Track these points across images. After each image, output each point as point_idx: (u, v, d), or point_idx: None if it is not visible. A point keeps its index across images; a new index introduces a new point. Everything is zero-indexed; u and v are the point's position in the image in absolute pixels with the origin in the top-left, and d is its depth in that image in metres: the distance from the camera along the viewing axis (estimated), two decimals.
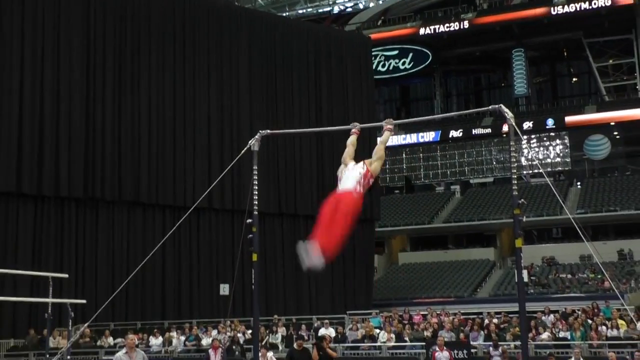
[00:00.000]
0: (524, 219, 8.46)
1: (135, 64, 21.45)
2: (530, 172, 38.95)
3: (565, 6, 39.04)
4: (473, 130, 40.39)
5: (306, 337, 17.84)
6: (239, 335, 16.31)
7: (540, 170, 36.31)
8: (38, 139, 19.28)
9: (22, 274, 15.55)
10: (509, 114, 7.88)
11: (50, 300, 11.61)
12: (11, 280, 17.26)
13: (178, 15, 22.87)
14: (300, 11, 50.60)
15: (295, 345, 11.76)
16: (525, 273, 13.90)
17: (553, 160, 38.83)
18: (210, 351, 12.50)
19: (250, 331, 16.06)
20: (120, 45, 21.30)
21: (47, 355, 11.98)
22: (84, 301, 13.61)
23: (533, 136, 38.77)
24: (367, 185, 6.35)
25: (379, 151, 6.62)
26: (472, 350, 13.66)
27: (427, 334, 15.51)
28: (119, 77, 21.05)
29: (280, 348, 16.81)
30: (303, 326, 18.34)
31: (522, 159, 37.82)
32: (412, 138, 41.34)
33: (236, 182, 21.96)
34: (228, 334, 15.87)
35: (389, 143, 37.69)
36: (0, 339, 17.19)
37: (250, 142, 8.13)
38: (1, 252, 18.27)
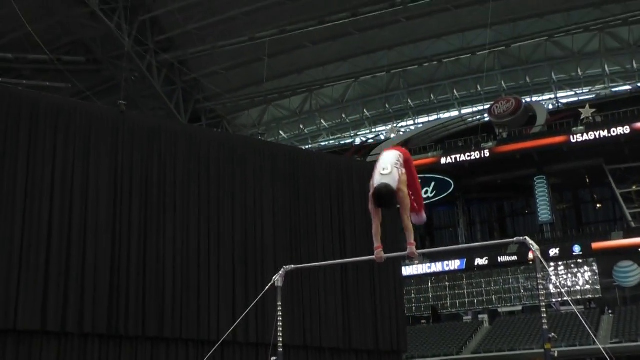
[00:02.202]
0: (556, 353, 8.23)
1: (161, 201, 21.83)
2: (560, 299, 38.24)
3: (585, 134, 39.68)
4: (499, 258, 40.15)
5: None
6: None
7: (569, 299, 35.66)
8: (64, 276, 19.33)
9: None
10: (534, 246, 7.87)
11: None
12: None
13: (203, 152, 23.45)
14: (323, 143, 51.82)
15: None
16: None
17: (582, 288, 38.18)
18: None
19: None
20: (147, 182, 21.77)
21: None
22: None
23: (560, 263, 38.34)
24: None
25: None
26: None
27: None
28: (145, 214, 21.36)
29: None
30: None
31: (551, 287, 37.27)
32: (437, 267, 41.11)
33: (260, 315, 21.72)
34: None
35: (415, 272, 37.50)
36: None
37: (274, 277, 8.18)
38: None
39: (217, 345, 8.62)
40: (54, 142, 20.36)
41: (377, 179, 7.43)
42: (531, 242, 8.02)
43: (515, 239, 8.26)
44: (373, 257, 7.84)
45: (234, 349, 22.60)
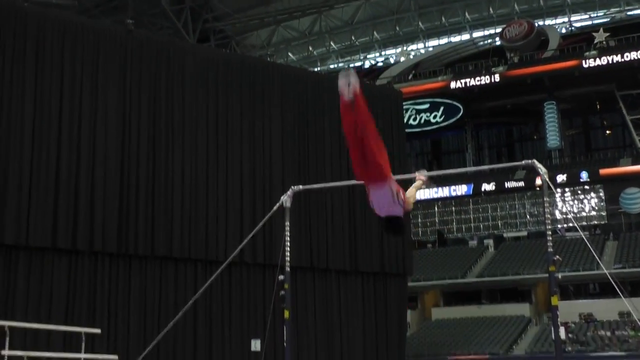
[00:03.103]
0: (560, 275, 8.30)
1: (169, 121, 21.78)
2: (565, 225, 38.46)
3: (597, 59, 39.06)
4: (506, 183, 40.17)
5: None
6: None
7: (575, 224, 35.86)
8: (74, 195, 19.45)
9: (55, 329, 15.60)
10: (542, 169, 7.83)
11: (82, 355, 11.64)
12: (45, 336, 17.29)
13: (211, 73, 23.23)
14: (332, 66, 51.28)
15: None
16: (562, 330, 13.60)
17: (588, 214, 38.33)
18: None
19: None
20: (155, 102, 21.66)
21: None
22: (115, 357, 13.56)
23: (567, 189, 38.37)
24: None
25: (409, 193, 6.13)
26: None
27: None
28: (153, 134, 21.33)
29: None
30: None
31: (557, 213, 37.44)
32: (444, 192, 41.22)
33: (268, 236, 21.94)
34: None
35: (422, 197, 37.55)
36: None
37: (282, 198, 8.18)
38: (35, 306, 18.31)
39: (224, 265, 8.69)
40: (61, 61, 20.15)
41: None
42: (539, 165, 7.99)
43: (523, 162, 8.22)
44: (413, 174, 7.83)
45: (241, 269, 22.90)
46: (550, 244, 7.79)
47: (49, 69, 19.75)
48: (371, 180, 5.74)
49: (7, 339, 10.68)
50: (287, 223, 8.02)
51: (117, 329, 19.50)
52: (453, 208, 41.23)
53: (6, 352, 10.50)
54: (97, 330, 13.14)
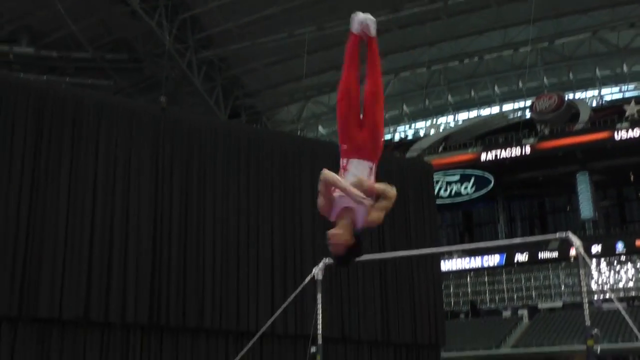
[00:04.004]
0: (599, 349, 8.16)
1: (201, 195, 22.13)
2: (602, 298, 37.70)
3: (629, 130, 39.03)
4: (539, 254, 39.74)
5: None
6: None
7: (612, 295, 35.14)
8: (107, 268, 19.76)
9: None
10: (577, 242, 7.82)
11: None
12: None
13: (243, 148, 23.68)
14: None
15: None
16: None
17: (625, 286, 37.60)
18: None
19: None
20: (187, 178, 22.08)
21: None
22: None
23: (602, 260, 37.81)
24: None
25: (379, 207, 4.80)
26: None
27: None
28: (185, 208, 21.68)
29: None
30: None
31: (592, 284, 36.78)
32: (476, 262, 40.87)
33: (299, 307, 21.87)
34: None
35: (454, 268, 37.14)
36: None
37: (314, 270, 8.22)
38: None
39: (256, 337, 8.73)
40: (96, 139, 20.74)
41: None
42: (573, 237, 7.97)
43: (557, 233, 8.21)
44: (412, 252, 7.72)
45: (272, 340, 22.77)
46: (587, 315, 7.66)
47: (84, 146, 20.32)
48: (357, 150, 4.77)
49: None
50: (319, 295, 8.02)
51: None
52: (486, 278, 40.75)
53: None
54: None
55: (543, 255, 39.31)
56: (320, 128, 53.64)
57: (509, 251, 39.90)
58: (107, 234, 20.13)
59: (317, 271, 8.20)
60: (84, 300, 19.13)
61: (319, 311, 7.96)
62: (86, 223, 19.97)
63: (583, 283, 8.26)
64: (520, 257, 39.56)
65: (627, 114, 40.97)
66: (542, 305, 39.50)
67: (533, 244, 39.30)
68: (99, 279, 19.57)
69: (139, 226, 20.83)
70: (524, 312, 38.94)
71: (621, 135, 38.80)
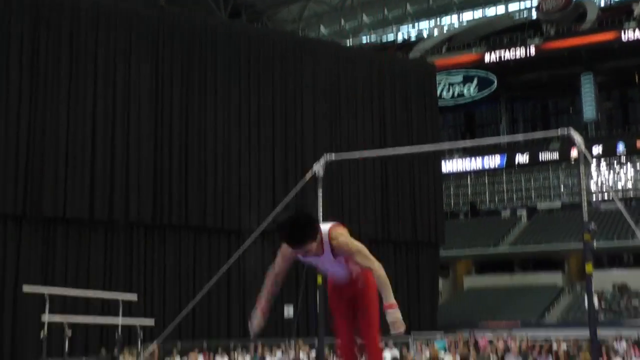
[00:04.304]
0: (595, 244, 8.32)
1: (202, 92, 22.07)
2: (600, 199, 37.98)
3: (636, 30, 38.22)
4: (540, 155, 39.71)
5: None
6: (303, 356, 16.35)
7: (610, 194, 35.38)
8: (110, 168, 20.10)
9: (93, 296, 15.99)
10: (578, 138, 7.76)
11: (120, 321, 11.93)
12: (83, 302, 17.77)
13: (243, 47, 23.42)
14: (364, 40, 50.96)
15: None
16: (595, 299, 13.55)
17: (624, 187, 37.81)
18: None
19: (314, 352, 16.10)
20: (188, 77, 22.02)
21: None
22: (152, 323, 13.84)
23: (603, 161, 37.87)
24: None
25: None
26: None
27: (494, 358, 15.25)
28: (186, 106, 21.67)
29: None
30: None
31: (592, 184, 36.98)
32: (477, 163, 40.93)
33: (300, 206, 22.11)
34: (292, 354, 15.93)
35: (454, 169, 37.15)
36: (73, 357, 17.61)
37: (314, 166, 8.19)
38: (74, 275, 19.03)
39: (255, 233, 8.82)
40: (95, 43, 20.54)
41: None
42: (575, 134, 7.89)
43: (559, 129, 8.12)
44: (414, 148, 7.57)
45: (273, 238, 23.18)
46: (585, 212, 7.69)
47: (83, 52, 20.19)
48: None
49: (47, 305, 10.98)
50: (320, 192, 8.04)
51: (154, 295, 20.02)
52: (486, 180, 40.99)
53: (46, 318, 10.81)
54: (134, 297, 13.43)
55: (544, 156, 39.30)
56: (321, 28, 52.69)
57: (510, 152, 39.91)
58: (109, 136, 20.42)
59: (318, 167, 8.17)
60: (88, 199, 19.70)
61: (320, 208, 8.01)
62: (88, 125, 20.11)
63: (583, 181, 8.25)
64: (521, 159, 39.60)
65: (635, 13, 40.09)
66: (541, 205, 39.82)
67: (534, 144, 39.30)
68: (102, 179, 20.02)
69: (139, 127, 20.91)
70: (523, 213, 39.31)
71: (628, 35, 38.05)
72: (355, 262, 3.83)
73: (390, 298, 3.84)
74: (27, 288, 12.76)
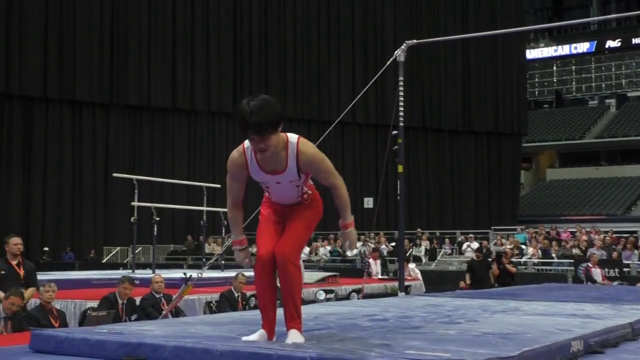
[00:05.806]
0: None
1: None
2: None
3: None
4: (633, 40, 37.66)
5: (449, 251, 17.92)
6: (382, 247, 16.59)
7: None
8: (190, 60, 20.84)
9: (180, 184, 16.49)
10: None
11: (204, 208, 12.27)
12: (170, 190, 18.44)
13: None
14: None
15: (474, 257, 12.21)
16: None
17: None
18: (371, 260, 12.71)
19: (393, 244, 16.30)
20: None
21: (204, 260, 12.72)
22: None
23: None
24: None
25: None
26: (625, 270, 13.17)
27: (576, 251, 15.05)
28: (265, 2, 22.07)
29: (424, 261, 16.98)
30: (447, 240, 18.39)
31: None
32: (564, 49, 39.23)
33: (380, 97, 21.97)
34: (372, 245, 16.16)
35: (538, 55, 35.59)
36: (161, 244, 18.44)
37: (396, 52, 7.96)
38: (161, 164, 19.95)
39: (335, 122, 8.71)
40: None
41: None
42: None
43: None
44: (497, 32, 7.18)
45: (354, 129, 23.26)
46: None
47: None
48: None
49: (137, 191, 11.36)
50: (401, 78, 7.83)
51: None
52: (573, 67, 39.37)
53: (136, 203, 11.20)
54: (217, 185, 13.72)
55: (637, 40, 37.30)
56: None
57: (600, 37, 38.02)
58: (189, 28, 20.96)
59: (400, 52, 7.93)
60: (171, 89, 20.49)
61: (401, 94, 7.81)
62: (168, 19, 20.66)
63: None
64: (612, 44, 37.68)
65: None
66: (632, 93, 38.12)
67: (627, 26, 37.25)
68: (183, 70, 20.70)
69: (219, 19, 21.29)
70: (612, 101, 37.71)
71: None
72: (321, 178, 3.37)
73: (350, 217, 3.48)
74: (116, 174, 13.23)
